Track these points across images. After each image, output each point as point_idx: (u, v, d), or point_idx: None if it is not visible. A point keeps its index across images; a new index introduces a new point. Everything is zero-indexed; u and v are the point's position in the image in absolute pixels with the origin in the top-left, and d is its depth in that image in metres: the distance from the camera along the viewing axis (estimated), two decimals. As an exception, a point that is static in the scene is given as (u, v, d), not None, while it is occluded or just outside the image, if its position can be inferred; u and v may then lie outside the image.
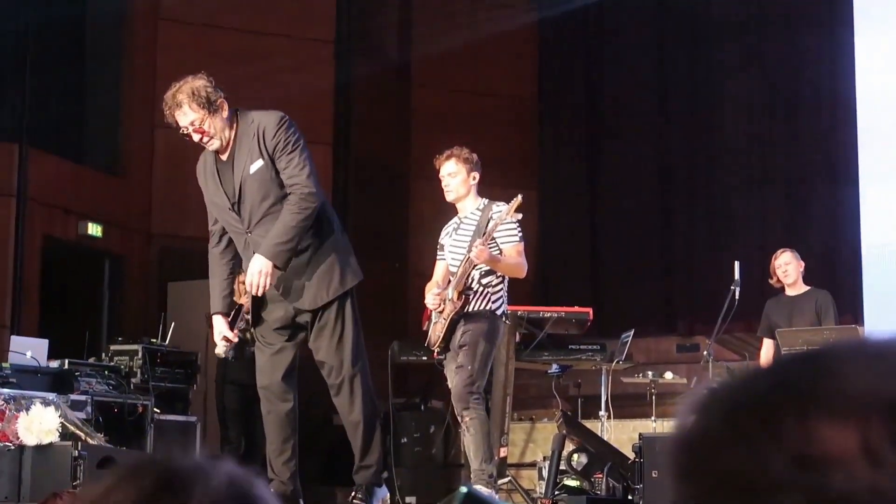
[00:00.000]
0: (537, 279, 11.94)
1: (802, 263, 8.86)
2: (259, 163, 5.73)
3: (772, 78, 12.37)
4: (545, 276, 12.47)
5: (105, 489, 1.12)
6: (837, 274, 11.10)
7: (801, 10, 12.21)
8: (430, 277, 6.84)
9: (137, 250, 11.80)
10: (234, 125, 5.78)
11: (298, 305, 5.90)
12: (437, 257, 6.84)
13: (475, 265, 6.43)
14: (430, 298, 6.61)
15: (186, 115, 5.68)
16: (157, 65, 12.07)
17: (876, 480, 0.81)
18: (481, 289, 6.52)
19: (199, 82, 5.71)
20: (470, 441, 6.45)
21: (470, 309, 6.49)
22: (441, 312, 6.55)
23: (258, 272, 5.70)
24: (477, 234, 6.49)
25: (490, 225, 6.44)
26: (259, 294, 5.79)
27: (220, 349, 6.04)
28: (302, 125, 6.07)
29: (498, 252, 6.44)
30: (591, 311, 8.93)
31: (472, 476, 6.50)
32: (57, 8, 11.31)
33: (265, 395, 6.03)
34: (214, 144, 5.76)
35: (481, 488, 6.45)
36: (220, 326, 6.01)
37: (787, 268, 8.78)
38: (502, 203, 6.57)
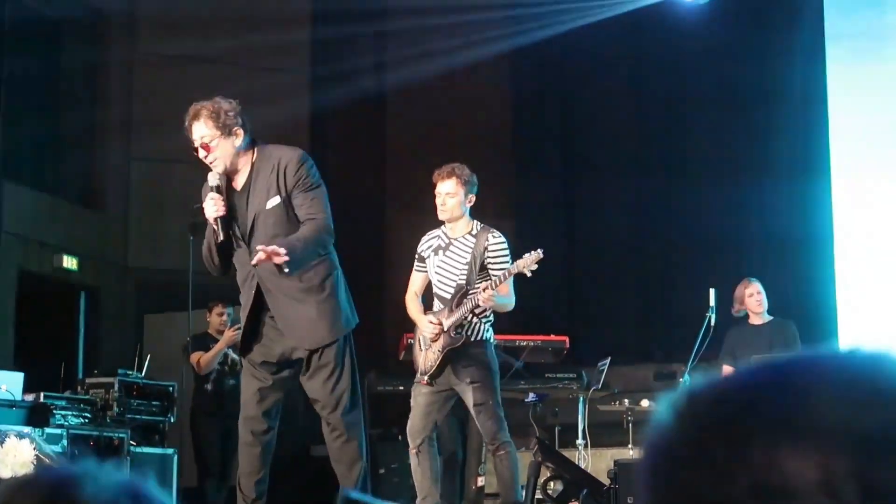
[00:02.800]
0: (514, 307, 11.91)
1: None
2: (276, 199, 5.73)
3: (746, 106, 12.44)
4: (521, 304, 12.41)
5: None
6: (812, 301, 11.14)
7: (774, 40, 12.31)
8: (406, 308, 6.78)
9: (113, 283, 11.77)
10: (251, 157, 5.79)
11: (299, 344, 5.85)
12: (415, 268, 6.74)
13: (479, 309, 6.42)
14: (428, 327, 6.51)
15: (199, 129, 5.71)
16: (132, 97, 12.08)
17: None
18: (475, 319, 6.52)
19: (224, 105, 5.75)
20: (502, 473, 6.53)
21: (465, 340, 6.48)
22: (434, 341, 6.51)
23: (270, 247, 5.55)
24: (473, 266, 6.48)
25: (499, 275, 6.43)
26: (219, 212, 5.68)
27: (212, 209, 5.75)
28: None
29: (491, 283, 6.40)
30: (567, 339, 8.94)
31: None
32: (32, 36, 11.29)
33: (248, 426, 5.96)
34: (218, 166, 5.73)
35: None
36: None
37: (760, 297, 8.92)
38: (496, 232, 6.57)
